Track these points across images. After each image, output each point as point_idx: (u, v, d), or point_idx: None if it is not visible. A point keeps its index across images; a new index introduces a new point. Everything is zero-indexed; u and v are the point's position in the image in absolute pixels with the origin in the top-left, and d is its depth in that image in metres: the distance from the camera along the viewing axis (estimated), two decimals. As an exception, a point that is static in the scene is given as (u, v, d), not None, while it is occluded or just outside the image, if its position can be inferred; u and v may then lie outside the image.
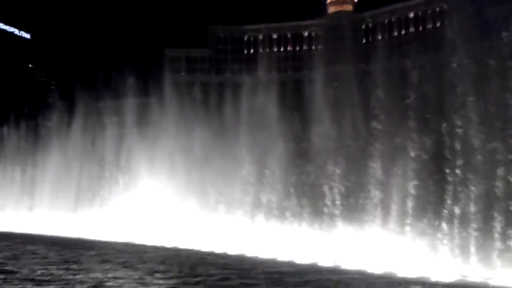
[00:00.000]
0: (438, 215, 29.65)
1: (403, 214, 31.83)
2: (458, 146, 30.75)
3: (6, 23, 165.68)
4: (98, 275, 22.78)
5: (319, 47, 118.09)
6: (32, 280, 20.85)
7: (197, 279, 22.49)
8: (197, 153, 54.11)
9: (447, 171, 30.67)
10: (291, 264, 30.33)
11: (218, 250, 37.94)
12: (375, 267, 27.69)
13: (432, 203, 31.15)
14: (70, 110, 71.84)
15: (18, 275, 22.16)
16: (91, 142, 64.61)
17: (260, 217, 41.55)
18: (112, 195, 57.18)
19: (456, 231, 28.77)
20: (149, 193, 54.80)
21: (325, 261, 30.15)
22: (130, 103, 69.23)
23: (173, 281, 21.56)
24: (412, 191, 32.39)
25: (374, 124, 40.15)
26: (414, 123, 36.39)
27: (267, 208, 42.40)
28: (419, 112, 37.49)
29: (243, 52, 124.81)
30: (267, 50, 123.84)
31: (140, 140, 59.67)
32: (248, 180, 48.03)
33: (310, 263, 30.50)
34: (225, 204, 48.50)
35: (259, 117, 52.67)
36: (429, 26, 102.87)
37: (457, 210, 28.63)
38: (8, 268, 24.65)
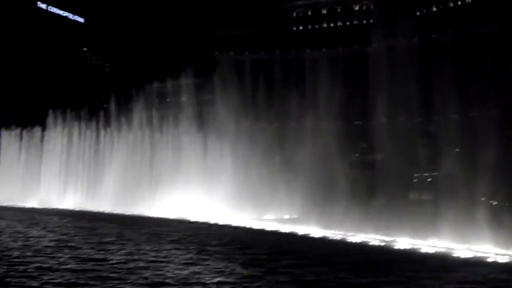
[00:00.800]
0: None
1: None
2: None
3: (60, 8, 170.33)
4: (151, 252, 23.75)
5: (371, 21, 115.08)
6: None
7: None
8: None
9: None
10: (343, 243, 30.53)
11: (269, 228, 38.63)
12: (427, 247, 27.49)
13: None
14: (126, 97, 73.42)
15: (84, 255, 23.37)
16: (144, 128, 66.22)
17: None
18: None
19: None
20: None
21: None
22: (185, 85, 70.39)
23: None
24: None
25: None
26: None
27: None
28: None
29: (292, 29, 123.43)
30: (316, 26, 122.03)
31: (194, 128, 60.83)
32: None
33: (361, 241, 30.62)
34: None
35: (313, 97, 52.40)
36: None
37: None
38: (71, 244, 26.05)
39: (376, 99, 53.54)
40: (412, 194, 51.05)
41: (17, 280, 16.56)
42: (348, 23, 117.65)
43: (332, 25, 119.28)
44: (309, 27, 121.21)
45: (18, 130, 78.95)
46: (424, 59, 77.50)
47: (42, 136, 75.96)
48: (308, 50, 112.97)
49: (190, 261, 21.50)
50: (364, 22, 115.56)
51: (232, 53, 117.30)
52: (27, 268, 18.57)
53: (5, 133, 79.22)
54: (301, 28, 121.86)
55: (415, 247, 27.73)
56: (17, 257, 21.18)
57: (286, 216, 49.88)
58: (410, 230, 30.25)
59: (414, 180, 56.04)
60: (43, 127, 77.06)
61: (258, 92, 68.95)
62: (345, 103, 56.22)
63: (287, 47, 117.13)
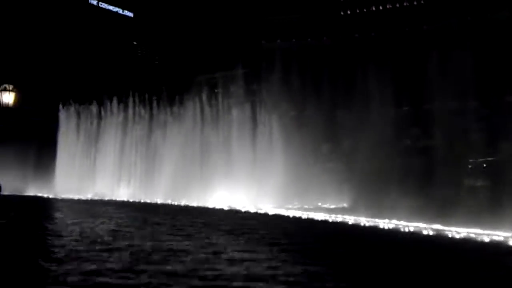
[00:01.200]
0: None
1: None
2: None
3: (110, 4, 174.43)
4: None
5: (422, 2, 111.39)
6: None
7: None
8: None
9: None
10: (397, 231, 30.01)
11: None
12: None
13: None
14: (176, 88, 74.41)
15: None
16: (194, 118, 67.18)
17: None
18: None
19: None
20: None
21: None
22: (233, 75, 70.84)
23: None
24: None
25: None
26: None
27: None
28: None
29: (340, 13, 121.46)
30: (365, 9, 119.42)
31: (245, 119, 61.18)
32: None
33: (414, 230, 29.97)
34: None
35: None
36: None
37: None
38: (125, 233, 26.79)
39: (428, 83, 52.07)
40: (467, 181, 49.38)
41: (72, 266, 17.21)
42: (397, 5, 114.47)
43: (381, 8, 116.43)
44: (357, 11, 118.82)
45: (76, 106, 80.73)
46: (477, 39, 74.48)
47: (99, 121, 77.79)
48: (357, 35, 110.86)
49: (238, 249, 21.75)
50: (415, 3, 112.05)
51: (279, 41, 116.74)
52: (83, 256, 19.25)
53: (63, 112, 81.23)
54: (349, 12, 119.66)
55: (471, 235, 26.88)
56: (73, 246, 21.96)
57: (335, 206, 49.49)
58: (464, 218, 29.31)
59: (469, 166, 54.14)
60: (99, 107, 79.08)
61: (306, 80, 68.49)
62: (395, 88, 54.88)
63: (335, 32, 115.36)
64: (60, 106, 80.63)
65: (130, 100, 78.12)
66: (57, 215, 40.69)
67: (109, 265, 17.85)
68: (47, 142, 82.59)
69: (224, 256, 20.31)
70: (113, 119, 76.77)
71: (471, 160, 54.35)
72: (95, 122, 78.55)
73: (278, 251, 21.52)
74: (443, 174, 40.81)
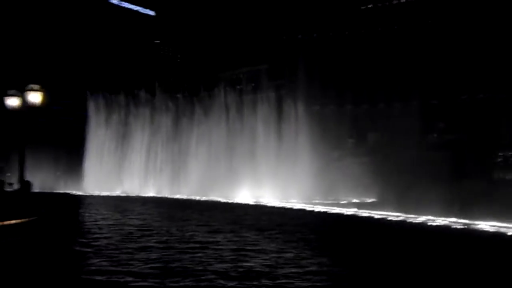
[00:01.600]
0: None
1: None
2: None
3: (131, 3, 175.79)
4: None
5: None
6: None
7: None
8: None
9: None
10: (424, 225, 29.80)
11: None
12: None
13: None
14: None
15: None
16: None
17: None
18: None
19: None
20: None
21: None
22: (256, 71, 70.92)
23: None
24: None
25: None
26: None
27: None
28: None
29: (360, 7, 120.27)
30: (387, 3, 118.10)
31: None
32: None
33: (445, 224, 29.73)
34: None
35: None
36: None
37: None
38: (151, 228, 27.18)
39: (455, 77, 51.41)
40: (497, 174, 48.53)
41: (103, 258, 17.62)
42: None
43: (403, 1, 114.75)
44: (379, 4, 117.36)
45: (105, 94, 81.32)
46: (501, 32, 72.96)
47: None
48: (380, 28, 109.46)
49: (256, 242, 21.89)
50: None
51: (300, 36, 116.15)
52: (113, 249, 19.65)
53: (92, 101, 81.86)
54: (370, 6, 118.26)
55: (501, 230, 26.56)
56: (103, 240, 22.40)
57: (362, 200, 49.28)
58: (494, 213, 28.96)
59: (498, 160, 53.19)
60: (127, 101, 79.73)
61: (329, 74, 68.23)
62: (420, 81, 54.27)
63: (357, 26, 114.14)
64: (88, 93, 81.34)
65: (156, 99, 78.84)
66: (86, 211, 41.40)
67: (137, 261, 18.20)
68: (76, 141, 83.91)
69: (250, 250, 20.47)
70: (140, 118, 77.54)
71: (500, 154, 53.34)
72: (123, 115, 79.12)
73: (304, 246, 21.64)
74: (472, 168, 40.26)
